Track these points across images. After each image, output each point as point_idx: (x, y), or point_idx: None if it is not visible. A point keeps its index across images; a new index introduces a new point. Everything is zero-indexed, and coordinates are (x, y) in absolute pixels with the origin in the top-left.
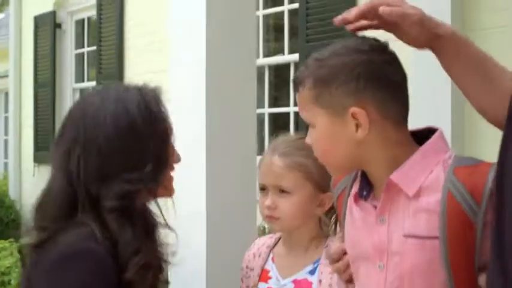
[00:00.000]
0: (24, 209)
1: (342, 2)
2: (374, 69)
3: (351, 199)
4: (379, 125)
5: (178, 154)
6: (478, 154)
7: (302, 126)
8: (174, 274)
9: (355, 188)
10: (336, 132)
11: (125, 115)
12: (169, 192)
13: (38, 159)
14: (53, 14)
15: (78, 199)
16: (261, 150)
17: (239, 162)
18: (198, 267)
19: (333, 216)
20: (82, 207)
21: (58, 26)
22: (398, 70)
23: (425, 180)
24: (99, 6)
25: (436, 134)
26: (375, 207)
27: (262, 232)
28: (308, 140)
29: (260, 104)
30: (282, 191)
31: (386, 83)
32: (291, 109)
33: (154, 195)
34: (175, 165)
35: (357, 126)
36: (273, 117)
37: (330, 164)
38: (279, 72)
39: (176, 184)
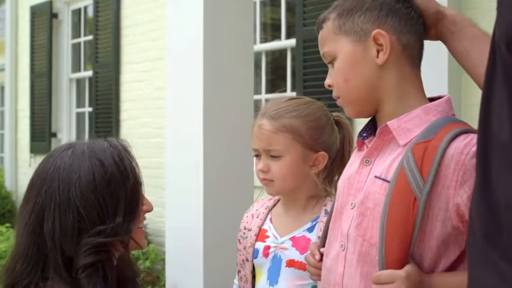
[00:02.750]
0: (20, 199)
1: None
2: (396, 1)
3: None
4: (397, 55)
5: (150, 203)
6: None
7: None
8: (172, 247)
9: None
10: (357, 58)
11: (101, 169)
12: (140, 245)
13: (34, 150)
14: (49, 3)
15: (50, 262)
16: None
17: (237, 145)
18: (195, 241)
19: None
20: (54, 270)
21: (54, 15)
22: (415, 8)
23: (418, 134)
24: None
25: (445, 97)
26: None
27: None
28: (328, 80)
29: (257, 90)
30: (273, 154)
31: (406, 15)
32: (288, 95)
33: (126, 248)
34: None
35: (378, 52)
36: None
37: (349, 95)
38: (276, 58)
39: (176, 165)
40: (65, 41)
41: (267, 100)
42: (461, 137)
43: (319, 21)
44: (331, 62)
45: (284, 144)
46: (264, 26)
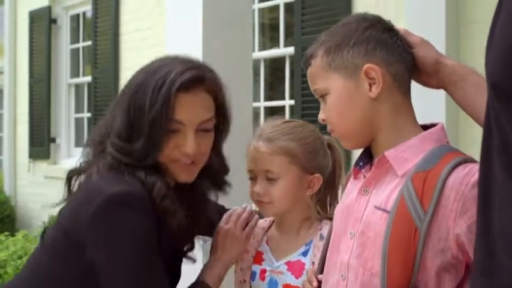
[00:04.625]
0: (19, 204)
1: None
2: (381, 33)
3: (351, 177)
4: (388, 86)
5: (191, 145)
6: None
7: (298, 118)
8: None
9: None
10: (350, 93)
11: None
12: (176, 177)
13: (33, 155)
14: (48, 9)
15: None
16: None
17: (236, 155)
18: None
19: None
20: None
21: (53, 21)
22: (399, 36)
23: (416, 163)
24: (95, 1)
25: (439, 125)
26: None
27: None
28: (321, 115)
29: (256, 98)
30: (269, 177)
31: (392, 45)
32: (287, 102)
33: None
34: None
35: (370, 85)
36: (269, 110)
37: (344, 130)
38: (275, 66)
39: None
40: (64, 46)
41: (265, 108)
42: (461, 167)
43: (306, 57)
44: (323, 97)
45: (281, 166)
46: (262, 32)
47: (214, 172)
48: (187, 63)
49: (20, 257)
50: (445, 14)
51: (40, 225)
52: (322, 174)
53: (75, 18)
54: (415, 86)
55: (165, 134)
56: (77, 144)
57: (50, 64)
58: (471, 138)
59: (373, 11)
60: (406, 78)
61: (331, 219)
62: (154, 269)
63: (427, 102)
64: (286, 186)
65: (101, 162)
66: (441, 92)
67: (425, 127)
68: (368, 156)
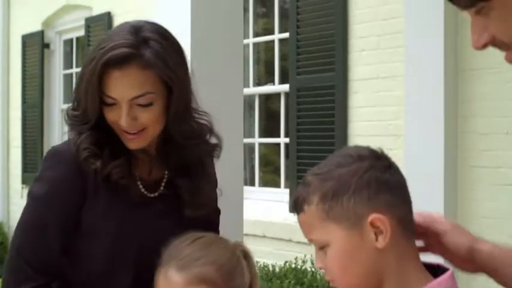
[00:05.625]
0: (12, 230)
1: (332, 35)
2: (382, 172)
3: None
4: (394, 231)
5: (118, 117)
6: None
7: (293, 156)
8: None
9: None
10: (354, 246)
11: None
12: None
13: (26, 181)
14: (41, 33)
15: None
16: (251, 181)
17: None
18: None
19: None
20: None
21: (46, 45)
22: (399, 172)
23: None
24: (88, 27)
25: (447, 274)
26: None
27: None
28: (319, 263)
29: (250, 134)
30: None
31: (395, 185)
32: (282, 140)
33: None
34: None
35: (376, 234)
36: (263, 147)
37: (348, 284)
38: (270, 102)
39: None
40: (57, 71)
41: (260, 144)
42: None
43: (297, 201)
44: (322, 249)
45: None
46: (257, 67)
47: (177, 139)
48: (127, 38)
49: None
50: (444, 61)
51: None
52: None
53: (68, 43)
54: (414, 77)
55: (99, 106)
56: None
57: (42, 89)
58: (471, 129)
59: (372, 56)
60: (411, 219)
61: None
62: (35, 231)
63: (427, 94)
64: None
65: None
66: (440, 87)
67: (430, 266)
68: None
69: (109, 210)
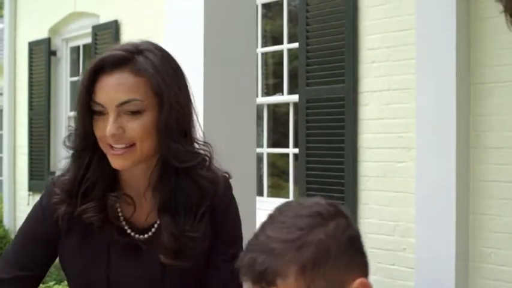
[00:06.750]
0: None
1: (342, 46)
2: (351, 230)
3: None
4: None
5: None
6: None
7: (302, 167)
8: None
9: None
10: None
11: None
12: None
13: (33, 188)
14: (48, 40)
15: None
16: (259, 191)
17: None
18: None
19: None
20: None
21: (53, 53)
22: (355, 226)
23: None
24: (95, 34)
25: None
26: None
27: None
28: None
29: (259, 144)
30: None
31: (360, 241)
32: (291, 150)
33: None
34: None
35: None
36: (272, 157)
37: None
38: (278, 112)
39: None
40: (64, 79)
41: (268, 154)
42: None
43: (263, 273)
44: None
45: None
46: (266, 78)
47: (167, 158)
48: (123, 47)
49: None
50: (455, 76)
51: None
52: None
53: (75, 50)
54: (426, 86)
55: (89, 118)
56: None
57: (49, 96)
58: (483, 143)
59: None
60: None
61: None
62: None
63: (439, 107)
64: None
65: None
66: (452, 100)
67: None
68: None
69: (80, 249)
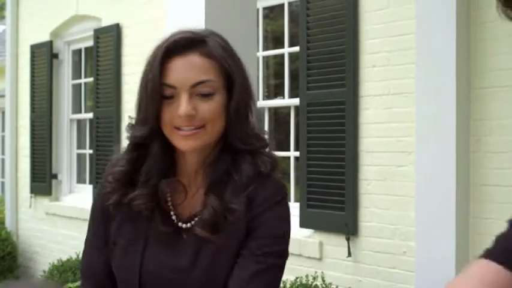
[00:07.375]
0: (20, 239)
1: (343, 50)
2: None
3: None
4: None
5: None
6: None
7: (303, 171)
8: None
9: None
10: None
11: None
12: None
13: (35, 191)
14: (50, 43)
15: None
16: None
17: None
18: None
19: None
20: None
21: (55, 55)
22: None
23: None
24: (97, 37)
25: None
26: None
27: None
28: None
29: None
30: None
31: None
32: (292, 154)
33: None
34: None
35: None
36: None
37: None
38: (280, 115)
39: None
40: (66, 81)
41: None
42: None
43: None
44: None
45: None
46: (267, 81)
47: (232, 140)
48: (186, 29)
49: None
50: (456, 80)
51: (43, 261)
52: None
53: (77, 53)
54: (426, 90)
55: (159, 101)
56: (79, 181)
57: (51, 99)
58: (483, 148)
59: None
60: None
61: None
62: (87, 243)
63: (439, 112)
64: None
65: None
66: (452, 104)
67: None
68: None
69: (119, 235)
